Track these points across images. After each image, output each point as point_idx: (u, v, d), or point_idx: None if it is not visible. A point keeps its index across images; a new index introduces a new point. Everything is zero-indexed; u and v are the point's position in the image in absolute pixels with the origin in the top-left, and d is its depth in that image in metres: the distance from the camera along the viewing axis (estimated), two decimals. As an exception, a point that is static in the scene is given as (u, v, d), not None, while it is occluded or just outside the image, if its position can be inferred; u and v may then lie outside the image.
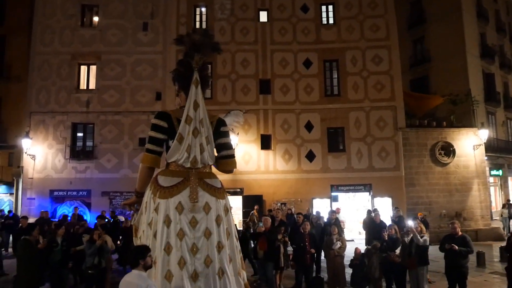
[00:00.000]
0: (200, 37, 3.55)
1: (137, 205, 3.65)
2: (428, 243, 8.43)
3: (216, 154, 3.60)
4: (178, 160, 3.34)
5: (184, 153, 3.31)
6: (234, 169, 3.70)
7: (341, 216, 15.15)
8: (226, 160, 3.59)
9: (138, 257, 3.34)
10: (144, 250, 3.26)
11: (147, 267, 3.29)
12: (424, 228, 8.76)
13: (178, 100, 3.68)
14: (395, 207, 15.71)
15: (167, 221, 3.17)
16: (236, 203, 17.87)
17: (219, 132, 3.57)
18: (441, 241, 8.37)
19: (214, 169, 3.64)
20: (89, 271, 8.41)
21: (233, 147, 3.68)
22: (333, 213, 13.34)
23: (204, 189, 3.32)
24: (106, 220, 13.75)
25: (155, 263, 3.23)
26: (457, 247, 7.68)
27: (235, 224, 13.62)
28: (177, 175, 3.32)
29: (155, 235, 3.22)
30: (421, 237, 8.32)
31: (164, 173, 3.40)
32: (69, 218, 15.32)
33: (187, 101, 3.39)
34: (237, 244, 3.55)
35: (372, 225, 12.29)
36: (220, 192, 3.45)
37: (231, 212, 3.60)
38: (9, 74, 20.17)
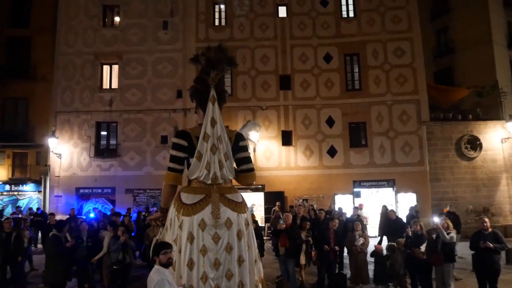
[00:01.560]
0: (215, 53, 3.58)
1: (162, 220, 3.74)
2: (455, 240, 8.22)
3: (236, 167, 3.66)
4: (199, 177, 3.44)
5: (204, 170, 3.39)
6: (254, 182, 3.81)
7: (364, 212, 14.99)
8: (246, 174, 3.69)
9: (153, 253, 3.48)
10: (159, 247, 3.39)
11: (162, 264, 3.38)
12: (451, 225, 8.52)
13: (196, 117, 3.76)
14: (412, 207, 14.95)
15: (190, 238, 3.29)
16: (257, 199, 17.94)
17: (238, 147, 3.64)
18: (471, 238, 8.07)
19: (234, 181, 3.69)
20: (114, 267, 8.59)
21: (252, 161, 3.78)
22: (356, 209, 13.22)
23: (225, 204, 3.41)
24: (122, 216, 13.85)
25: (181, 277, 3.35)
26: (491, 245, 7.35)
27: (257, 221, 13.69)
28: (199, 192, 3.42)
29: (180, 251, 3.35)
30: (448, 233, 8.12)
31: (187, 190, 3.50)
32: (94, 215, 15.63)
33: (204, 119, 3.44)
34: (255, 255, 3.63)
35: (387, 221, 12.05)
36: (241, 206, 3.53)
37: (251, 225, 3.67)
38: (35, 75, 20.72)
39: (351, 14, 20.05)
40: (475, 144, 18.51)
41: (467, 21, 22.64)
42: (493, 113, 19.68)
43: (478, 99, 19.67)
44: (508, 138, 18.62)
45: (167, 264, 3.36)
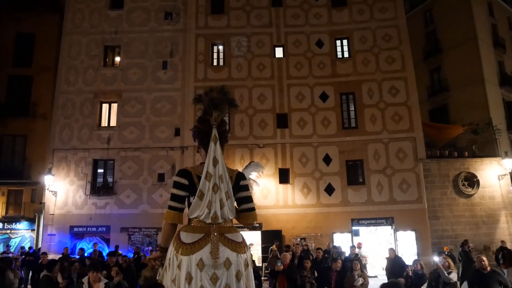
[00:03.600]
0: (218, 94, 3.68)
1: (162, 259, 3.71)
2: (456, 279, 8.05)
3: (237, 207, 3.67)
4: (199, 216, 3.42)
5: (205, 209, 3.39)
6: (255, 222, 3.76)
7: (363, 251, 14.72)
8: (246, 213, 3.66)
9: None
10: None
11: None
12: (452, 264, 8.40)
13: (198, 156, 3.81)
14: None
15: (189, 278, 3.24)
16: (255, 238, 17.65)
17: (239, 186, 3.64)
18: (470, 278, 7.89)
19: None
20: (107, 309, 8.30)
21: (253, 201, 3.73)
22: (353, 248, 12.98)
23: (225, 244, 3.38)
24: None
25: None
26: None
27: (254, 260, 13.41)
28: (199, 231, 3.39)
29: None
30: (449, 273, 7.97)
31: (186, 229, 3.48)
32: (87, 254, 15.32)
33: (206, 158, 3.49)
34: None
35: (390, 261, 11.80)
36: (241, 246, 3.49)
37: (251, 266, 3.61)
38: (35, 113, 20.92)
39: (346, 55, 20.61)
40: (472, 181, 18.51)
41: (459, 61, 23.34)
42: (489, 150, 19.85)
43: (473, 136, 19.91)
44: (505, 174, 18.65)
45: None
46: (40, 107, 20.93)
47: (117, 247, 16.42)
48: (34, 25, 21.70)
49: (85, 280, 6.85)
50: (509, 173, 18.83)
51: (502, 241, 14.82)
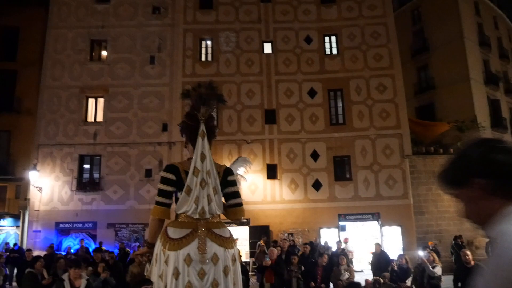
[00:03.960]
0: (206, 90, 3.68)
1: (149, 255, 3.71)
2: (440, 273, 8.19)
3: (224, 202, 3.67)
4: (186, 212, 3.41)
5: (193, 204, 3.38)
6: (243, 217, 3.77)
7: (350, 246, 14.86)
8: (234, 208, 3.66)
9: None
10: (139, 284, 3.28)
11: None
12: (436, 258, 8.54)
13: (186, 151, 3.79)
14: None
15: (176, 274, 3.24)
16: (242, 234, 17.67)
17: (227, 182, 3.64)
18: (454, 272, 8.05)
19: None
20: (93, 305, 8.25)
21: (241, 196, 3.74)
22: (340, 243, 13.10)
23: (212, 239, 3.38)
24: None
25: None
26: None
27: (241, 256, 13.42)
28: (186, 226, 3.39)
29: (165, 287, 3.28)
30: (433, 267, 8.10)
31: (174, 224, 3.47)
32: (73, 251, 15.19)
33: (194, 153, 3.49)
34: None
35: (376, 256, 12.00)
36: (229, 241, 3.50)
37: (239, 261, 3.63)
38: (19, 108, 20.56)
39: (335, 51, 20.70)
40: (457, 177, 18.76)
41: (446, 59, 23.62)
42: (474, 147, 20.13)
43: (458, 133, 20.19)
44: (488, 171, 18.94)
45: None
46: (24, 102, 20.57)
47: (101, 243, 16.36)
48: (19, 18, 21.26)
49: (65, 276, 6.58)
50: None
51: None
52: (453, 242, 15.36)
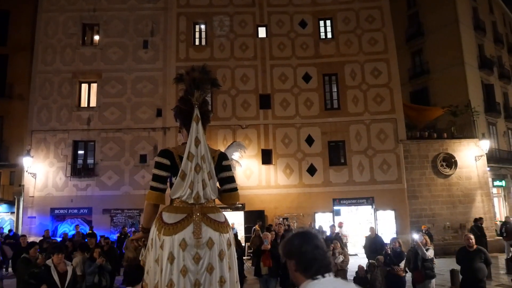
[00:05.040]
0: (199, 74, 3.62)
1: (145, 240, 3.69)
2: (433, 255, 8.33)
3: (219, 187, 3.66)
4: (181, 197, 3.41)
5: (187, 189, 3.38)
6: (237, 202, 3.77)
7: (344, 230, 15.03)
8: (229, 193, 3.66)
9: (129, 282, 3.36)
10: (136, 275, 3.29)
11: None
12: (429, 241, 8.66)
13: (180, 136, 3.75)
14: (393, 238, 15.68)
15: (171, 258, 3.25)
16: (237, 218, 17.81)
17: (221, 166, 3.63)
18: (457, 254, 8.12)
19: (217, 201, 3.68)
20: (89, 290, 8.31)
21: (236, 180, 3.74)
22: (333, 227, 13.23)
23: (207, 224, 3.38)
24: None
25: None
26: None
27: (239, 240, 13.53)
28: (181, 211, 3.39)
29: (161, 272, 3.29)
30: (426, 249, 8.22)
31: (169, 209, 3.46)
32: (69, 236, 15.22)
33: (188, 138, 3.46)
34: (236, 276, 3.61)
35: (370, 239, 12.16)
36: (224, 226, 3.50)
37: (233, 246, 3.65)
38: (11, 93, 20.32)
39: (329, 36, 20.55)
40: (451, 161, 18.97)
41: (441, 44, 23.55)
42: (467, 132, 20.30)
43: (452, 118, 20.28)
44: (481, 155, 19.16)
45: None
46: (16, 87, 20.32)
47: (91, 228, 16.44)
48: (9, 2, 20.86)
49: (50, 262, 6.44)
50: (486, 154, 19.35)
51: (507, 217, 15.92)
52: (473, 224, 15.95)
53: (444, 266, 12.25)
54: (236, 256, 3.68)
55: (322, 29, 20.63)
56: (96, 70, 19.79)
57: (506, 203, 24.05)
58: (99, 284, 8.33)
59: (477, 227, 15.29)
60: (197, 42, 20.49)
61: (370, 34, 20.22)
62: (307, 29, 20.40)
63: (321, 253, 1.85)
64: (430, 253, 8.25)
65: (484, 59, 24.76)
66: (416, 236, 8.78)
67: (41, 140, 19.06)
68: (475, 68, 23.72)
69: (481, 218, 16.27)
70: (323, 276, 1.80)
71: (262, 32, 20.47)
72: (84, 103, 19.98)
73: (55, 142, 19.09)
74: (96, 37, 20.53)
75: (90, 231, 15.35)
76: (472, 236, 7.96)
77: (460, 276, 8.14)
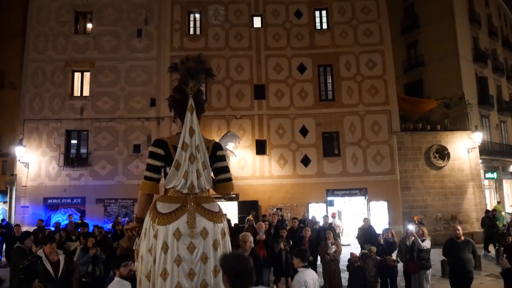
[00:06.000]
0: (194, 63, 3.59)
1: (139, 230, 3.69)
2: (429, 246, 8.40)
3: (214, 177, 3.65)
4: (175, 187, 3.40)
5: (182, 179, 3.37)
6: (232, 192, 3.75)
7: (337, 221, 15.14)
8: (223, 183, 3.66)
9: (114, 266, 3.40)
10: (119, 260, 3.31)
11: (123, 276, 3.32)
12: (426, 231, 8.71)
13: (174, 126, 3.73)
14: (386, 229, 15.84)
15: (165, 248, 3.24)
16: (231, 208, 17.84)
17: (216, 157, 3.62)
18: (444, 245, 8.24)
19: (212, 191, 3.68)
20: (83, 279, 8.31)
21: (230, 171, 3.74)
22: (326, 217, 13.32)
23: (201, 214, 3.38)
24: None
25: None
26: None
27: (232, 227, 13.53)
28: (175, 201, 3.38)
29: (154, 261, 3.29)
30: (422, 240, 8.29)
31: (163, 199, 3.46)
32: (62, 226, 15.18)
33: (183, 128, 3.44)
34: None
35: (363, 230, 12.27)
36: (218, 216, 3.51)
37: (228, 235, 3.65)
38: (3, 82, 20.11)
39: (325, 26, 20.46)
40: (443, 153, 19.10)
41: (436, 36, 23.52)
42: (460, 124, 20.43)
43: (446, 110, 20.38)
44: (473, 148, 19.32)
45: (128, 276, 3.30)
46: (8, 76, 20.10)
47: (81, 217, 16.42)
48: (-1, -13, 20.55)
49: (41, 253, 6.24)
50: (478, 146, 19.51)
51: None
52: (485, 214, 16.34)
53: (435, 257, 12.39)
54: (230, 246, 3.69)
55: (317, 20, 20.53)
56: (89, 59, 19.58)
57: (497, 195, 24.31)
58: (93, 273, 8.33)
59: (488, 218, 15.79)
60: (191, 32, 20.32)
61: (365, 25, 20.17)
62: (303, 20, 20.30)
63: (248, 274, 2.44)
64: (427, 244, 8.31)
65: (479, 52, 24.80)
66: (411, 227, 8.84)
67: (33, 129, 18.89)
68: (470, 61, 23.77)
69: (493, 210, 16.76)
70: None
71: (257, 22, 20.32)
72: (77, 92, 19.78)
73: (48, 131, 18.93)
74: (89, 25, 20.28)
75: (80, 221, 15.31)
76: (459, 228, 8.08)
77: (448, 268, 8.25)
